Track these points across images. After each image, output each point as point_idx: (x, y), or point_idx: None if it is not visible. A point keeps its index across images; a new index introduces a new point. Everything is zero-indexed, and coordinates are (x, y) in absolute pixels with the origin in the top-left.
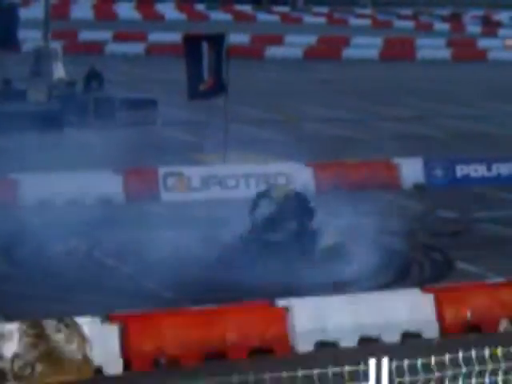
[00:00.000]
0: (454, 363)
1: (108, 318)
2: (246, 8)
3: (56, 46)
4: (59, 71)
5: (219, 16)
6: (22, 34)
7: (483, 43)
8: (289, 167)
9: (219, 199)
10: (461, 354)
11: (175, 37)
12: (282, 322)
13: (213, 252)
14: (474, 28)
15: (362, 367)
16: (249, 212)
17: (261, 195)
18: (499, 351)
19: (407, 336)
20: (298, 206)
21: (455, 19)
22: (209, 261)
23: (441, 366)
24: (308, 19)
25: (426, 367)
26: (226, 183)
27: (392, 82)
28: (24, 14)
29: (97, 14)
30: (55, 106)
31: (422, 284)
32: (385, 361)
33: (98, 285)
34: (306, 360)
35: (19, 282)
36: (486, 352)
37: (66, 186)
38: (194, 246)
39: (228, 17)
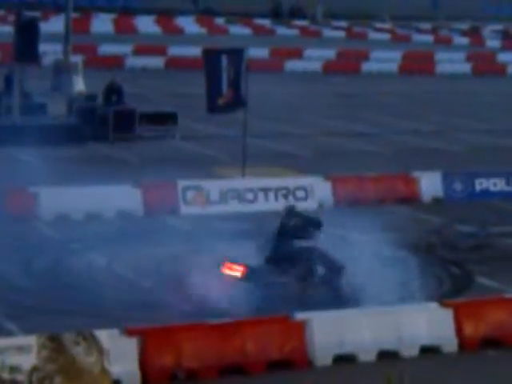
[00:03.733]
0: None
1: (126, 331)
2: (266, 22)
3: (76, 59)
4: (79, 85)
5: (238, 30)
6: (43, 47)
7: (503, 57)
8: (308, 181)
9: (237, 213)
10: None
11: (195, 51)
12: (301, 336)
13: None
14: (493, 42)
15: None
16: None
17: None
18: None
19: (426, 350)
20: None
21: (474, 33)
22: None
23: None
24: (327, 33)
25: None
26: (244, 197)
27: (411, 96)
28: (44, 27)
29: (117, 28)
30: (75, 119)
31: (441, 298)
32: None
33: (116, 298)
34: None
35: (38, 295)
36: None
37: (85, 200)
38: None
39: (247, 31)
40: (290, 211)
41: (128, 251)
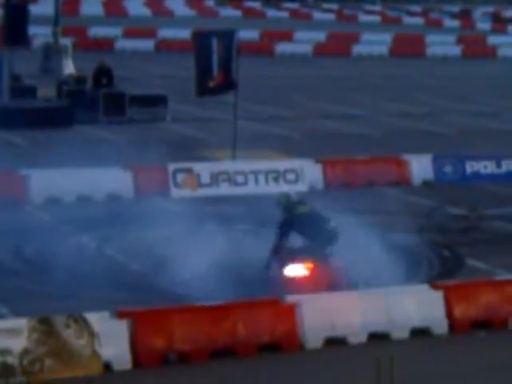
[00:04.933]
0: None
1: (117, 313)
2: (256, 4)
3: (66, 42)
4: (69, 67)
5: (229, 12)
6: (32, 30)
7: (493, 40)
8: (298, 164)
9: (228, 195)
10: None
11: (185, 33)
12: (291, 319)
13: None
14: (483, 25)
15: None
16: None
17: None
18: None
19: (416, 333)
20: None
21: (465, 16)
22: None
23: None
24: (317, 15)
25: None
26: (235, 180)
27: (401, 79)
28: (34, 10)
29: (107, 11)
30: (65, 102)
31: (432, 281)
32: None
33: (107, 281)
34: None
35: (29, 278)
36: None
37: (76, 183)
38: (205, 242)
39: (237, 13)
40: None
41: (118, 234)
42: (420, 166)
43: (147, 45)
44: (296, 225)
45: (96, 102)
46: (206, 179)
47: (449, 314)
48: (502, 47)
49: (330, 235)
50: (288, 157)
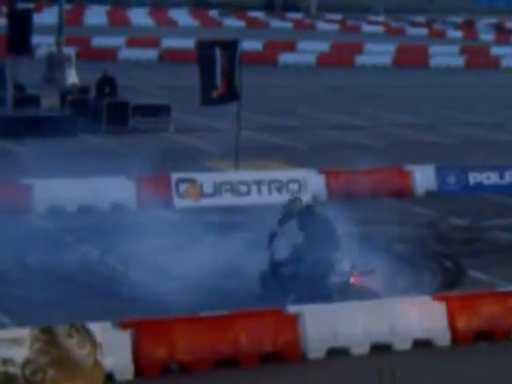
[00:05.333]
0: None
1: (120, 323)
2: (259, 14)
3: (69, 51)
4: (72, 77)
5: (232, 22)
6: (36, 39)
7: (496, 51)
8: (301, 174)
9: (231, 206)
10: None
11: (188, 43)
12: (294, 329)
13: (223, 259)
14: (487, 36)
15: None
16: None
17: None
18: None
19: (418, 344)
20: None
21: (468, 27)
22: (219, 268)
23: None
24: (321, 26)
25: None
26: (238, 190)
27: (405, 90)
28: (37, 19)
29: (110, 20)
30: (68, 111)
31: (434, 292)
32: None
33: (109, 291)
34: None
35: (31, 287)
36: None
37: (79, 192)
38: (207, 252)
39: (241, 23)
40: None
41: (121, 243)
42: (423, 177)
43: (150, 54)
44: (299, 220)
45: (99, 111)
46: (208, 189)
47: (451, 325)
48: (505, 58)
49: (334, 242)
50: (291, 167)
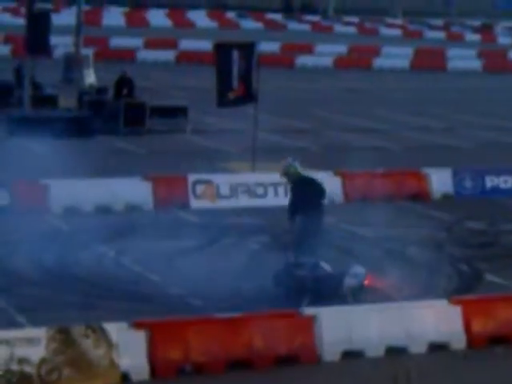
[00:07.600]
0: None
1: (135, 324)
2: (277, 17)
3: (87, 52)
4: (90, 77)
5: (250, 24)
6: (54, 40)
7: None
8: (317, 176)
9: (247, 207)
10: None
11: (206, 44)
12: (309, 331)
13: (240, 260)
14: (504, 39)
15: None
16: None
17: None
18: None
19: (434, 347)
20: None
21: (486, 30)
22: (236, 270)
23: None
24: (339, 28)
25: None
26: (254, 191)
27: (422, 93)
28: (56, 20)
29: (128, 21)
30: (86, 112)
31: (450, 295)
32: None
33: (125, 291)
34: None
35: (47, 287)
36: None
37: (95, 193)
38: (222, 254)
39: (259, 25)
40: None
41: (137, 244)
42: (440, 180)
43: (168, 56)
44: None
45: (116, 112)
46: (225, 191)
47: (467, 329)
48: None
49: (321, 190)
50: (307, 169)
